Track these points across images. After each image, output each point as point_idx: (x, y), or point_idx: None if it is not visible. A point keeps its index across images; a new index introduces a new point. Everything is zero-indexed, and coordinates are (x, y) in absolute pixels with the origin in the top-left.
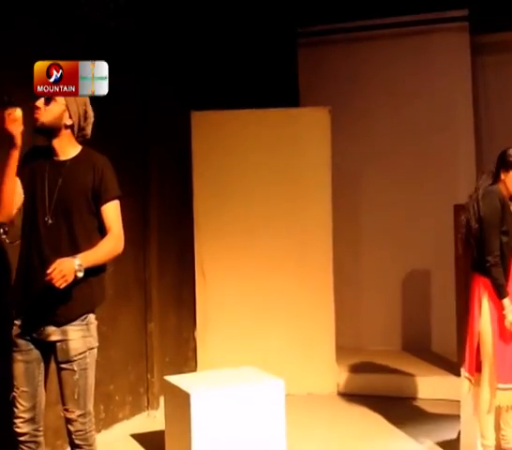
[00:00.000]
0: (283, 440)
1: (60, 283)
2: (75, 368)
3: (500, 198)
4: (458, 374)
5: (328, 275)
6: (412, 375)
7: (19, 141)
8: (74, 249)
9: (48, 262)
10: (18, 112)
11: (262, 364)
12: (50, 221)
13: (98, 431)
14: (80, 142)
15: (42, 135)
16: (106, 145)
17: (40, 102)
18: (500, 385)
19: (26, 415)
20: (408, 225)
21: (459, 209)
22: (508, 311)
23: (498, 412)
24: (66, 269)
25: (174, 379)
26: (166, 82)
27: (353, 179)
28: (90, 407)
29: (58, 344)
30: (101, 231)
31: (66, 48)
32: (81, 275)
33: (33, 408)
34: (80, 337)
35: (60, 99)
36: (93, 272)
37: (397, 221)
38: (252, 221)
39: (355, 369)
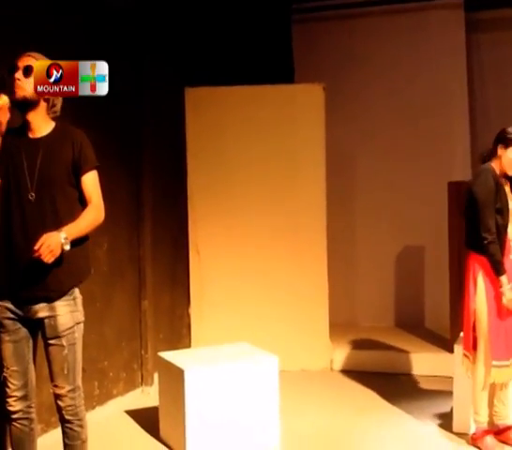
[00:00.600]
0: (277, 416)
1: (48, 258)
2: (64, 344)
3: (493, 176)
4: (451, 351)
5: (322, 252)
6: (405, 351)
7: (3, 128)
8: (58, 223)
9: (33, 239)
10: (3, 100)
11: (255, 340)
12: (33, 198)
13: (93, 408)
14: (52, 119)
15: (19, 109)
16: (99, 123)
17: (20, 74)
18: (494, 362)
19: (18, 393)
20: (402, 202)
21: (453, 187)
22: (506, 289)
23: (492, 389)
24: (53, 243)
25: (168, 355)
26: (160, 59)
27: (348, 157)
28: (79, 382)
29: (46, 320)
30: (82, 201)
31: (61, 26)
32: (67, 248)
33: (24, 386)
34: (68, 312)
35: None
36: (76, 244)
37: (391, 199)
38: (246, 199)
39: (349, 346)
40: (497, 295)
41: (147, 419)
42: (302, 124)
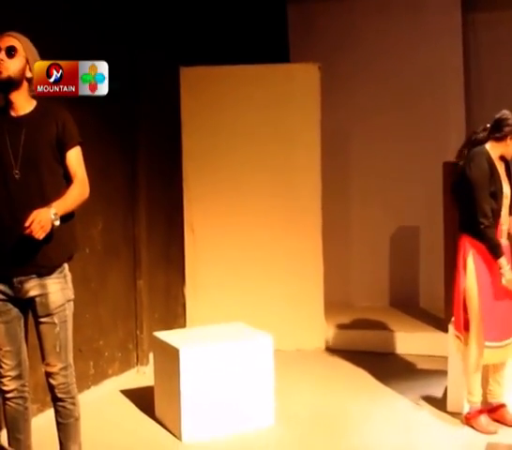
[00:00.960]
0: (272, 395)
1: (40, 234)
2: (56, 321)
3: (487, 158)
4: (445, 330)
5: (317, 232)
6: (399, 331)
7: None
8: (44, 200)
9: (20, 218)
10: None
11: (250, 320)
12: (18, 175)
13: (88, 388)
14: (32, 97)
15: (1, 90)
16: (94, 104)
17: (3, 55)
18: (487, 343)
19: (12, 373)
20: (397, 182)
21: (448, 167)
22: (505, 270)
23: (485, 369)
24: (43, 219)
25: (164, 335)
26: (155, 39)
27: (344, 137)
28: (71, 359)
29: (37, 299)
30: (66, 178)
31: (53, 8)
32: (57, 223)
33: (18, 365)
34: (58, 289)
35: (21, 52)
36: (63, 220)
37: (386, 178)
38: (241, 179)
39: (344, 325)
40: (491, 275)
41: (142, 399)
42: (297, 103)
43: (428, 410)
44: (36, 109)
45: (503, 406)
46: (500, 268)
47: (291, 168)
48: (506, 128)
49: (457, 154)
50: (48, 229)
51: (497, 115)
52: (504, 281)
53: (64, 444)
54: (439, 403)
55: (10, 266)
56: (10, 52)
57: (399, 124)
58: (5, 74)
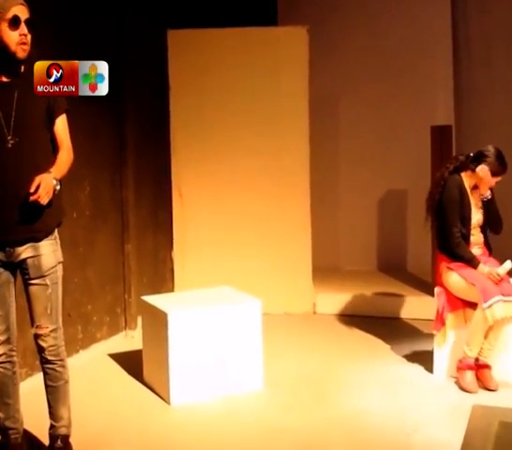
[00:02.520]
0: (260, 359)
1: (45, 200)
2: (48, 283)
3: (459, 186)
4: (432, 294)
5: (305, 195)
6: (387, 295)
7: None
8: (36, 167)
9: (14, 185)
10: None
11: (238, 284)
12: (11, 142)
13: (77, 352)
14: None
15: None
16: None
17: (25, 29)
18: (484, 305)
19: (1, 337)
20: (385, 146)
21: (436, 130)
22: (488, 271)
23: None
24: (48, 185)
25: (152, 299)
26: (142, 1)
27: (332, 101)
28: (60, 322)
29: (29, 260)
30: (52, 142)
31: None
32: (58, 188)
33: (7, 329)
34: (50, 251)
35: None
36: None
37: (374, 142)
38: (229, 142)
39: (332, 289)
40: (470, 270)
41: (131, 362)
42: (286, 66)
43: (415, 372)
44: (24, 73)
45: (487, 367)
46: (482, 273)
47: (279, 132)
48: (485, 164)
49: (437, 176)
50: (51, 194)
51: (481, 148)
52: (495, 274)
53: (53, 407)
54: (426, 365)
55: (5, 232)
56: (29, 25)
57: (388, 88)
58: (27, 51)
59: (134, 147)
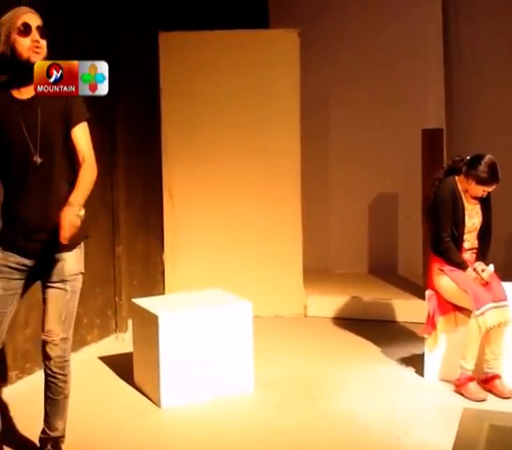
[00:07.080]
0: (251, 361)
1: (73, 233)
2: (68, 289)
3: (452, 189)
4: (423, 297)
5: (296, 197)
6: (378, 298)
7: None
8: (60, 185)
9: (46, 205)
10: None
11: (229, 286)
12: (38, 161)
13: None
14: None
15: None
16: None
17: (37, 35)
18: (482, 309)
19: None
20: (376, 148)
21: (427, 133)
22: (474, 277)
23: (484, 339)
24: (73, 220)
25: (143, 301)
26: (134, 2)
27: (323, 103)
28: (71, 333)
29: (54, 263)
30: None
31: None
32: (82, 213)
33: None
34: (75, 259)
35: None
36: None
37: (365, 144)
38: (221, 144)
39: (322, 292)
40: (461, 273)
41: (121, 365)
42: (277, 69)
43: (406, 375)
44: None
45: (497, 377)
46: (470, 275)
47: (270, 133)
48: (473, 171)
49: (434, 177)
50: (78, 224)
51: (478, 154)
52: (484, 276)
53: (50, 417)
54: (417, 368)
55: (35, 251)
56: (42, 31)
57: (379, 90)
58: (41, 56)
59: (125, 149)
